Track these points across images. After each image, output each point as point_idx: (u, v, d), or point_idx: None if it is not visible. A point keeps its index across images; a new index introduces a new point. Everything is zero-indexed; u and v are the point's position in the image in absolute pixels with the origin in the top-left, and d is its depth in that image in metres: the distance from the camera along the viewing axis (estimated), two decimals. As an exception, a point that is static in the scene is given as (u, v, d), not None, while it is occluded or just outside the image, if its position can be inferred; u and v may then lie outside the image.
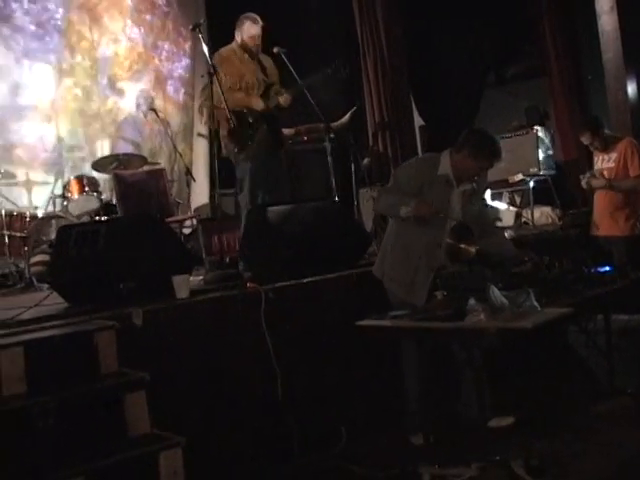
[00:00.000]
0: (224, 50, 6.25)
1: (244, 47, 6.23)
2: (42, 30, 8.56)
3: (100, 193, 7.51)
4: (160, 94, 9.55)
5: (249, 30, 6.21)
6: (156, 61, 9.60)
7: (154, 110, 8.42)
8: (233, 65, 6.16)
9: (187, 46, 9.82)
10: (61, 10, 8.73)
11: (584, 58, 8.99)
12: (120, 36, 9.26)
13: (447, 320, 3.84)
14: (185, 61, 9.81)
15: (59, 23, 8.71)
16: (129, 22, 9.34)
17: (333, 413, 4.70)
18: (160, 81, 9.60)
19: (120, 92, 9.23)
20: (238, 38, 6.25)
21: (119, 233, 4.67)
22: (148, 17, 9.54)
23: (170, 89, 9.69)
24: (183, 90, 9.80)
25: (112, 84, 9.17)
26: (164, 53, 9.68)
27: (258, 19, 6.24)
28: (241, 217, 6.16)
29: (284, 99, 6.20)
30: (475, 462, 3.95)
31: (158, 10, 9.66)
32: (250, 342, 4.45)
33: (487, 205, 4.92)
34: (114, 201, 7.38)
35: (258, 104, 6.11)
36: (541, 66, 9.29)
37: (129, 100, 9.28)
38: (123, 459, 3.35)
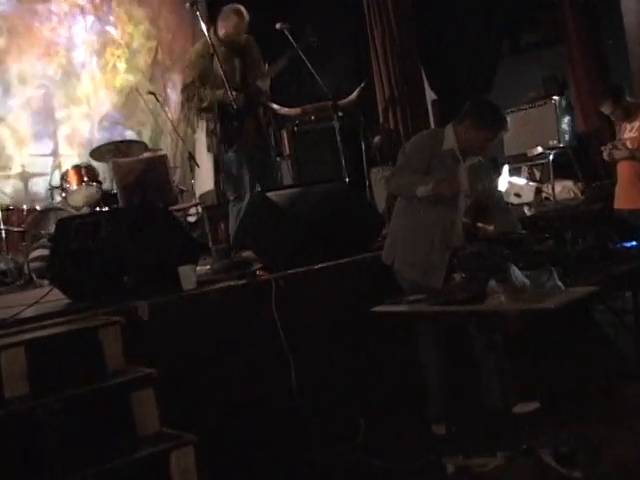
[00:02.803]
0: (198, 44, 6.24)
1: (225, 40, 6.19)
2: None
3: (100, 183, 7.52)
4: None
5: (236, 24, 6.17)
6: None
7: (153, 93, 8.39)
8: (207, 59, 6.13)
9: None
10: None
11: (603, 21, 8.89)
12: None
13: (466, 303, 3.83)
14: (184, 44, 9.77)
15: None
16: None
17: (350, 403, 4.71)
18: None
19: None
20: (220, 31, 6.19)
21: (121, 224, 4.67)
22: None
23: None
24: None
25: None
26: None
27: (245, 14, 6.17)
28: (230, 208, 6.26)
29: (263, 84, 6.23)
30: (501, 451, 3.94)
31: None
32: (261, 332, 4.46)
33: (495, 182, 4.89)
34: (115, 191, 7.38)
35: (238, 99, 6.09)
36: (558, 32, 9.22)
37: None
38: (132, 460, 3.36)
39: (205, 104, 6.07)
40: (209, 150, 6.24)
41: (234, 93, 6.00)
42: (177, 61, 9.50)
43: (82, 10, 8.97)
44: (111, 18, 9.22)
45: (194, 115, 6.06)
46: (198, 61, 6.11)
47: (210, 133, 6.12)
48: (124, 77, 9.25)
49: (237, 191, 6.25)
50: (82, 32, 8.97)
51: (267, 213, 5.39)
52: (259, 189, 6.15)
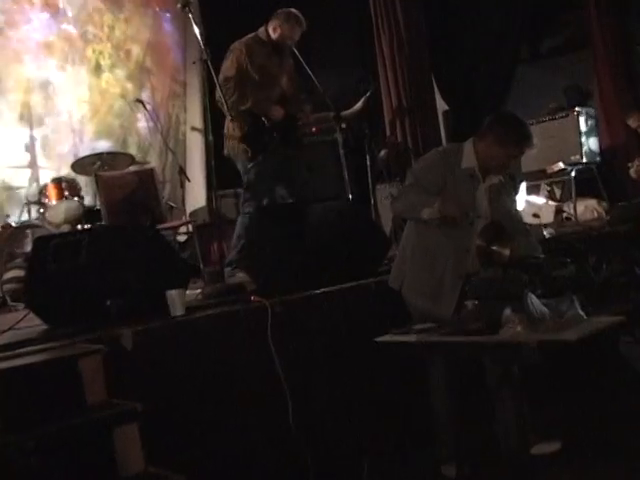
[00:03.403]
0: (250, 39, 6.24)
1: (275, 44, 6.25)
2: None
3: (82, 198, 7.53)
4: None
5: (293, 31, 6.21)
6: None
7: (140, 101, 8.42)
8: (260, 58, 6.18)
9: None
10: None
11: (632, 24, 8.89)
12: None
13: (480, 333, 3.82)
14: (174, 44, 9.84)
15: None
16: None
17: (352, 440, 4.70)
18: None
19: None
20: (273, 32, 6.23)
21: (104, 243, 4.68)
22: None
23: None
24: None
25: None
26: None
27: (304, 22, 6.22)
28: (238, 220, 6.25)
29: (305, 115, 6.28)
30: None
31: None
32: (256, 362, 4.45)
33: (515, 202, 4.88)
34: (98, 207, 7.39)
35: (278, 113, 6.15)
36: (582, 36, 9.22)
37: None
38: (114, 503, 3.35)
39: (245, 107, 6.07)
40: (230, 152, 6.24)
41: (276, 106, 6.10)
42: (165, 67, 9.56)
43: (56, 12, 9.01)
44: (89, 20, 9.28)
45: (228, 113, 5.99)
46: (250, 56, 6.13)
47: (235, 136, 6.14)
48: (108, 83, 9.28)
49: (252, 202, 6.22)
50: (58, 36, 9.01)
51: (264, 232, 5.41)
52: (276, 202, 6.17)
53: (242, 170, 6.26)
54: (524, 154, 4.58)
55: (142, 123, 9.16)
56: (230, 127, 6.17)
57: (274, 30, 6.23)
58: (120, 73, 9.42)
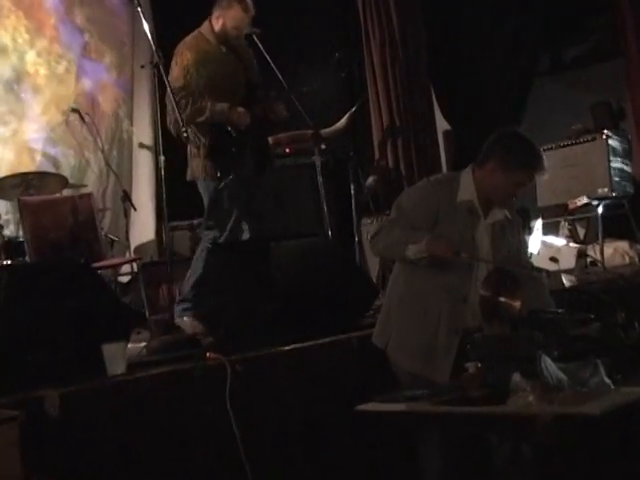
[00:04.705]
0: (193, 38, 6.28)
1: (222, 37, 6.28)
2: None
3: (1, 227, 7.49)
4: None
5: (236, 18, 6.23)
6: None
7: (77, 111, 8.41)
8: (209, 58, 6.21)
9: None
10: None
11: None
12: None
13: (484, 403, 3.81)
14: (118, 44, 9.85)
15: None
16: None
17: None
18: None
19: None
20: (216, 24, 6.27)
21: (27, 283, 4.68)
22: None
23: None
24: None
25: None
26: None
27: (251, 6, 6.25)
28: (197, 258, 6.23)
29: (280, 113, 6.30)
30: None
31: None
32: (211, 434, 4.44)
33: (525, 244, 4.89)
34: (21, 238, 7.36)
35: (244, 119, 6.18)
36: (613, 43, 9.30)
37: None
38: None
39: (203, 118, 6.10)
40: (195, 174, 6.24)
41: (240, 110, 6.10)
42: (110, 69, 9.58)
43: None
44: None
45: (183, 129, 6.00)
46: (197, 61, 6.14)
47: (199, 153, 6.15)
48: (39, 87, 9.25)
49: (217, 229, 6.22)
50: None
51: (224, 273, 5.41)
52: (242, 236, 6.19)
53: (206, 193, 6.24)
54: (533, 182, 4.57)
55: (78, 137, 9.12)
56: (193, 147, 6.19)
57: (217, 20, 6.26)
58: (56, 77, 9.38)
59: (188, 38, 6.25)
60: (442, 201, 4.51)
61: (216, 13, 6.26)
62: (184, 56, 6.13)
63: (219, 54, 6.25)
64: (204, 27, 6.29)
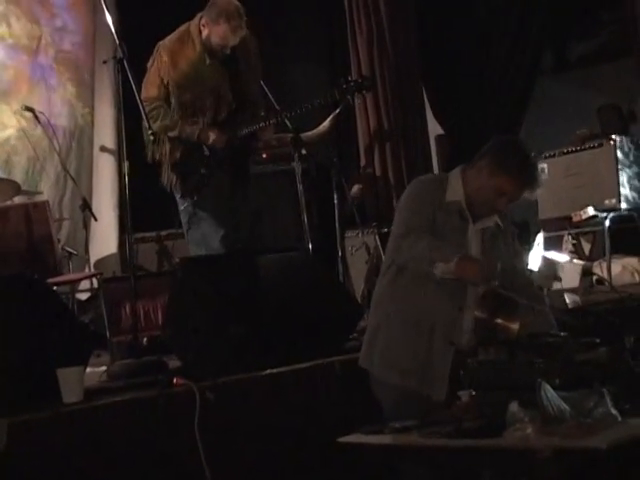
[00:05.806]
0: (178, 41, 6.29)
1: (207, 46, 6.28)
2: None
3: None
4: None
5: (221, 36, 6.22)
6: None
7: (31, 110, 8.38)
8: (189, 77, 6.23)
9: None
10: None
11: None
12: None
13: (477, 435, 3.82)
14: (76, 37, 9.83)
15: None
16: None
17: None
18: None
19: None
20: (203, 30, 6.27)
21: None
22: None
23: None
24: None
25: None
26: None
27: (243, 22, 6.23)
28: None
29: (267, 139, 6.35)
30: None
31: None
32: (178, 468, 4.42)
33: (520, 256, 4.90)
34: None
35: (217, 142, 6.23)
36: (623, 41, 9.33)
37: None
38: None
39: (174, 134, 6.19)
40: (164, 181, 6.27)
41: (212, 134, 6.15)
42: (70, 66, 9.55)
43: None
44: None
45: (150, 139, 6.00)
46: (177, 74, 6.18)
47: (166, 160, 6.24)
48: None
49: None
50: None
51: (193, 292, 5.40)
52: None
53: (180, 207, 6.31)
54: (519, 198, 4.55)
55: (33, 139, 9.09)
56: (164, 149, 6.21)
57: (203, 28, 6.28)
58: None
59: (174, 37, 6.26)
60: (435, 200, 4.55)
61: (203, 20, 6.27)
62: (162, 61, 6.16)
63: (202, 67, 6.27)
64: (193, 26, 6.29)
